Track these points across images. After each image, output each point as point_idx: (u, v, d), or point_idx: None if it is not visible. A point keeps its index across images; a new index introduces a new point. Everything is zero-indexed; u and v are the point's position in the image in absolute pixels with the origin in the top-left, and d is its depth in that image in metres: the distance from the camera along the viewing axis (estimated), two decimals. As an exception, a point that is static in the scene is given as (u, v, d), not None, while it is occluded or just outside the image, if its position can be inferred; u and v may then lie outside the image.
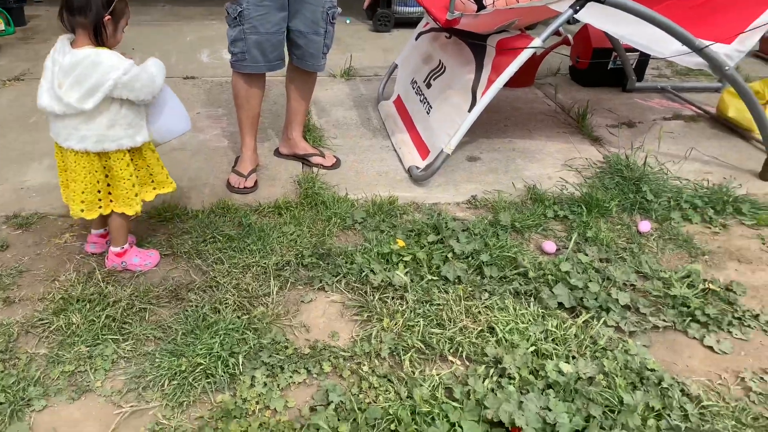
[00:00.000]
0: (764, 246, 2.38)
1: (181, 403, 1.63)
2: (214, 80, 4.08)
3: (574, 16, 2.48)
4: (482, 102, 2.57)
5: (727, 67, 2.61)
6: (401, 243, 2.27)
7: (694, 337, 1.90)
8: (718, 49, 2.62)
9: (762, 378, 1.73)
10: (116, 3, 1.79)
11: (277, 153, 3.03)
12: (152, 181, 2.08)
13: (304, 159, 2.94)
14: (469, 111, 2.63)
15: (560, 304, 2.01)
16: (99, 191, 1.96)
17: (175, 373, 1.70)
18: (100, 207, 1.99)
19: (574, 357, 1.77)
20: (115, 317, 1.89)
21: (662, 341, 1.90)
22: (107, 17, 1.79)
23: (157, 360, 1.75)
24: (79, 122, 1.84)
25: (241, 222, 2.41)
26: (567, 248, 2.31)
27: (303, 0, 2.51)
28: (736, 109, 3.40)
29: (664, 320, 1.95)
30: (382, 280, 2.07)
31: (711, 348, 1.85)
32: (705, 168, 3.00)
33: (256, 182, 2.73)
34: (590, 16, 2.51)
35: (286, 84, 2.87)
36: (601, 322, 1.92)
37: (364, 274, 2.10)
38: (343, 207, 2.53)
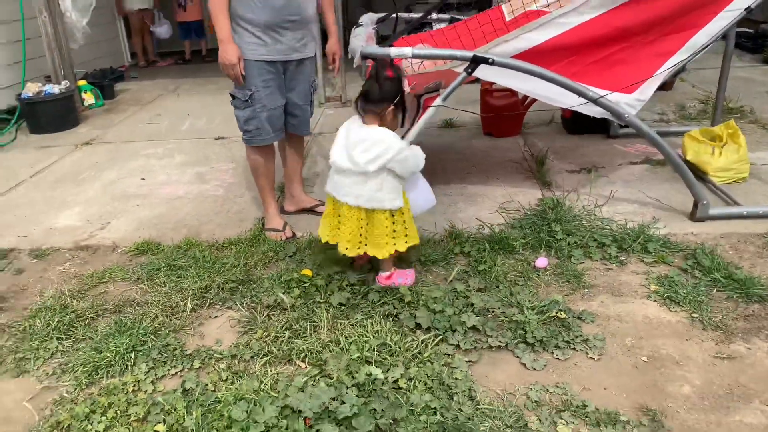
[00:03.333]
0: (644, 282, 2.51)
1: (82, 383, 2.14)
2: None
3: (478, 76, 2.81)
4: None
5: (626, 115, 2.79)
6: (308, 272, 2.68)
7: (518, 356, 2.12)
8: (620, 98, 2.82)
9: (547, 390, 1.94)
10: (400, 98, 2.39)
11: (283, 211, 3.36)
12: (406, 235, 2.53)
13: (311, 211, 3.36)
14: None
15: (418, 325, 2.32)
16: (360, 235, 2.51)
17: (89, 363, 2.23)
18: (359, 248, 2.51)
19: (396, 365, 2.08)
20: (65, 322, 2.48)
21: (490, 358, 2.14)
22: (391, 107, 2.39)
23: (81, 354, 2.30)
24: (355, 183, 2.41)
25: (195, 255, 2.95)
26: (448, 280, 2.60)
27: (297, 78, 2.99)
28: (694, 153, 3.48)
29: (499, 341, 2.20)
30: (274, 301, 2.50)
31: (525, 365, 2.07)
32: (641, 209, 3.13)
33: (293, 231, 3.13)
34: (493, 75, 2.84)
35: (280, 150, 3.29)
36: (438, 339, 2.21)
37: (259, 297, 2.54)
38: (281, 244, 2.99)
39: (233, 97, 2.93)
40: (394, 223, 2.48)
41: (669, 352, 2.08)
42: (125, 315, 2.53)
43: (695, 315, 2.26)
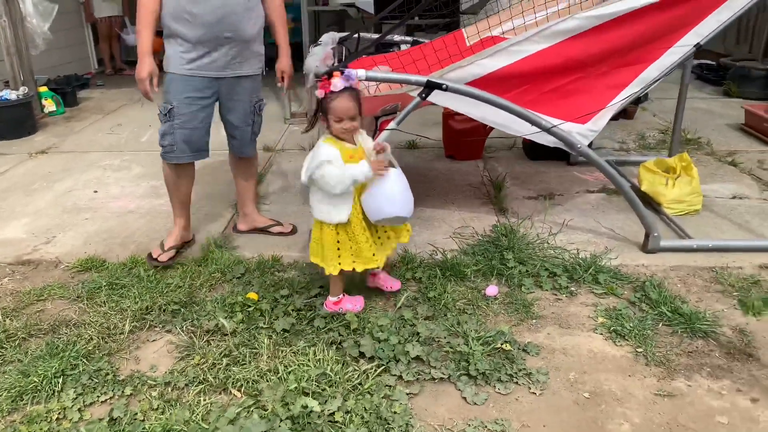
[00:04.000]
0: (592, 314, 2.50)
1: (4, 410, 2.04)
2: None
3: (433, 101, 2.79)
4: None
5: (579, 146, 2.80)
6: (254, 296, 2.61)
7: (459, 389, 2.08)
8: (572, 128, 2.83)
9: (485, 426, 1.90)
10: (319, 107, 2.30)
11: (236, 230, 3.31)
12: (354, 255, 2.40)
13: (264, 231, 3.29)
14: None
15: (362, 354, 2.26)
16: (316, 246, 2.44)
17: (13, 388, 2.12)
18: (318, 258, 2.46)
19: (334, 397, 2.02)
20: (-7, 343, 2.37)
21: (432, 390, 2.10)
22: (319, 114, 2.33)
23: (6, 377, 2.19)
24: (310, 192, 2.38)
25: (139, 273, 2.86)
26: (396, 306, 2.55)
27: (235, 98, 2.94)
28: (648, 183, 3.51)
29: (442, 373, 2.15)
30: (215, 326, 2.43)
31: (466, 399, 2.03)
32: (594, 239, 3.14)
33: (171, 258, 2.95)
34: (447, 101, 2.81)
35: (230, 168, 3.27)
36: (381, 369, 2.16)
37: (200, 321, 2.46)
38: (229, 264, 2.92)
39: (159, 110, 2.89)
40: (341, 241, 2.38)
41: (611, 387, 2.06)
42: (59, 336, 2.42)
43: (640, 350, 2.25)
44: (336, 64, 3.40)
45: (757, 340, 2.29)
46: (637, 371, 2.14)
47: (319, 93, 2.25)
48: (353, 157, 2.33)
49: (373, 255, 2.41)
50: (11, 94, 5.26)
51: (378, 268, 2.51)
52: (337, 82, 2.25)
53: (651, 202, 3.45)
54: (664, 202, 3.38)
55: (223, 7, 2.71)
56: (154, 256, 2.95)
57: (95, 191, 3.99)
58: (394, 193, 2.34)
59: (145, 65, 2.70)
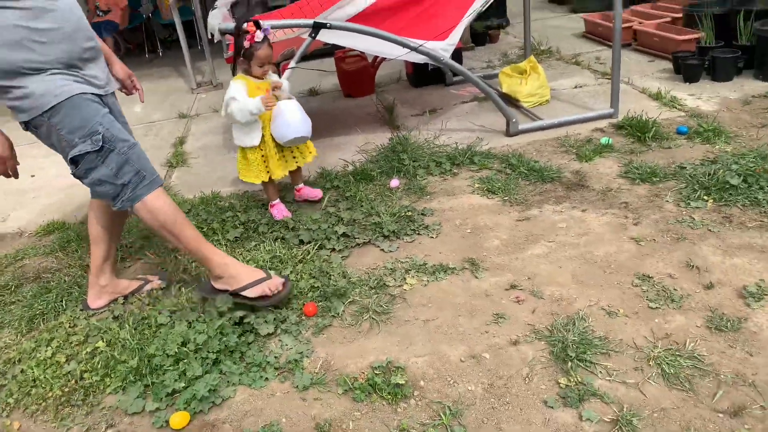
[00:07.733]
0: (471, 183, 3.25)
1: (22, 331, 2.53)
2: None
3: (322, 39, 3.40)
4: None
5: (443, 59, 3.50)
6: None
7: (378, 245, 2.77)
8: (436, 45, 3.52)
9: (399, 261, 2.60)
10: (244, 52, 2.78)
11: (86, 306, 2.60)
12: (269, 168, 2.99)
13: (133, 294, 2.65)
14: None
15: (301, 241, 2.89)
16: (242, 167, 3.05)
17: (23, 317, 2.61)
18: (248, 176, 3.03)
19: (286, 268, 2.65)
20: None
21: (358, 252, 2.77)
22: (240, 59, 2.82)
23: (14, 313, 2.67)
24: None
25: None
26: (322, 206, 3.20)
27: None
28: (507, 85, 4.30)
29: (363, 239, 2.83)
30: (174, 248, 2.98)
31: (383, 250, 2.73)
32: (469, 134, 3.89)
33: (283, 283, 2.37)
34: (334, 37, 3.43)
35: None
36: (317, 246, 2.81)
37: (164, 246, 3.01)
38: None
39: (77, 162, 2.17)
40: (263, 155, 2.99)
41: (486, 223, 2.81)
42: (47, 279, 2.91)
43: (506, 198, 3.02)
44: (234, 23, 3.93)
45: (588, 177, 3.11)
46: (504, 211, 2.91)
47: (246, 44, 2.75)
48: (260, 88, 2.87)
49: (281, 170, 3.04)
50: None
51: (283, 177, 3.09)
52: (259, 34, 2.76)
53: (512, 100, 4.24)
54: (521, 98, 4.18)
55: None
56: (273, 292, 2.35)
57: (32, 176, 4.35)
58: (291, 120, 2.85)
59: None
